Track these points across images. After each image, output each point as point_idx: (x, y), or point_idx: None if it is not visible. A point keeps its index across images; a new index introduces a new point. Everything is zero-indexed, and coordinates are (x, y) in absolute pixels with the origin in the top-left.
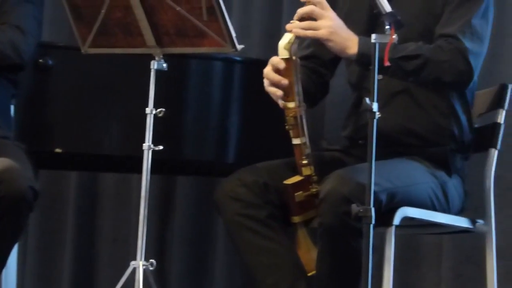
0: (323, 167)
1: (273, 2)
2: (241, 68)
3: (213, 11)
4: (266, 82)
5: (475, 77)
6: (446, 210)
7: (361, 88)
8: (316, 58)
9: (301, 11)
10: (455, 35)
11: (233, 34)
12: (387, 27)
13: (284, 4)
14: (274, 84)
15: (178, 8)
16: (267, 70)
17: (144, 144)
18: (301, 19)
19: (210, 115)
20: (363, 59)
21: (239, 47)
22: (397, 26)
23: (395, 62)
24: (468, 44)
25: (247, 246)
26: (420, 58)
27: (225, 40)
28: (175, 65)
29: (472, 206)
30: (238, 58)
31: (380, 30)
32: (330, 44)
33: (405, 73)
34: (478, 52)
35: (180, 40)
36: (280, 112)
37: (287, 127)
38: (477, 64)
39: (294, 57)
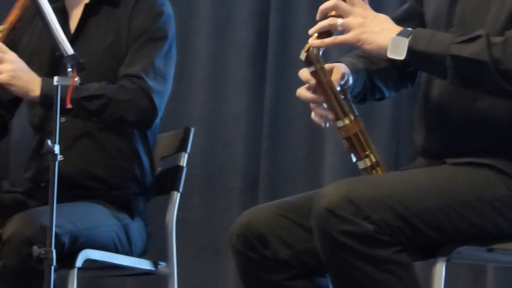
0: (5, 209)
1: None
2: None
3: None
4: None
5: (159, 115)
6: (129, 252)
7: (43, 130)
8: None
9: None
10: (138, 75)
11: None
12: (69, 69)
13: None
14: None
15: None
16: None
17: None
18: None
19: None
20: (46, 100)
21: None
22: (79, 68)
23: (77, 102)
24: (151, 83)
25: None
26: (102, 98)
27: None
28: None
29: (155, 249)
30: None
31: (64, 72)
32: (12, 88)
33: (88, 113)
34: (161, 91)
35: None
36: None
37: None
38: (161, 103)
39: None
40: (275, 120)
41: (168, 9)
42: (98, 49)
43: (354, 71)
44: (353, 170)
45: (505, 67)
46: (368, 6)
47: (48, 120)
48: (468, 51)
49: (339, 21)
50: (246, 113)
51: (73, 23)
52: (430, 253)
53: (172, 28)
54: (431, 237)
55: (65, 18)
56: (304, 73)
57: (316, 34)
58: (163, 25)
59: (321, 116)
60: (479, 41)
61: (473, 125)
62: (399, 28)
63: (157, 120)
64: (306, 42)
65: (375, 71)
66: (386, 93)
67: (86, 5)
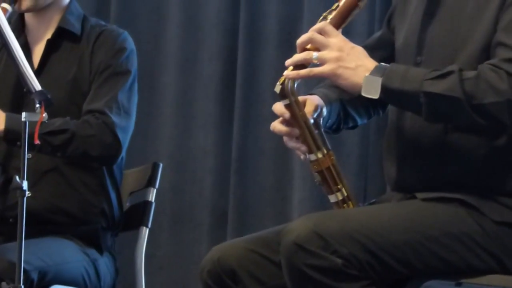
0: None
1: None
2: None
3: None
4: None
5: (124, 151)
6: (98, 287)
7: (8, 167)
8: None
9: None
10: (102, 110)
11: None
12: (37, 105)
13: None
14: None
15: None
16: None
17: None
18: None
19: None
20: (10, 135)
21: None
22: (47, 104)
23: (42, 138)
24: (115, 118)
25: None
26: (66, 133)
27: None
28: None
29: (124, 284)
30: None
31: (27, 108)
32: None
33: (53, 148)
34: (125, 127)
35: None
36: None
37: None
38: (124, 138)
39: None
40: (244, 155)
41: (130, 44)
42: (61, 84)
43: (328, 102)
44: (322, 205)
45: (478, 102)
46: (343, 37)
47: (13, 158)
48: (440, 87)
49: (315, 54)
50: (214, 148)
51: (36, 59)
52: (399, 287)
53: (134, 63)
54: (399, 271)
55: (27, 53)
56: (278, 107)
57: (291, 67)
58: (126, 60)
59: (293, 149)
60: (452, 77)
61: (443, 158)
62: (374, 64)
63: (123, 154)
64: (274, 77)
65: (348, 100)
66: (359, 121)
67: (48, 41)
